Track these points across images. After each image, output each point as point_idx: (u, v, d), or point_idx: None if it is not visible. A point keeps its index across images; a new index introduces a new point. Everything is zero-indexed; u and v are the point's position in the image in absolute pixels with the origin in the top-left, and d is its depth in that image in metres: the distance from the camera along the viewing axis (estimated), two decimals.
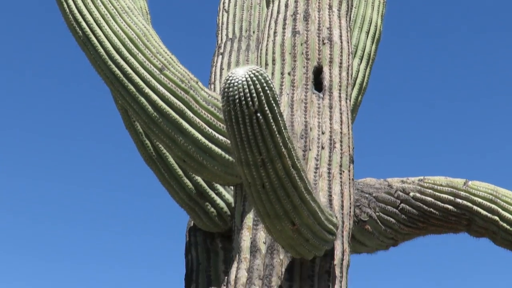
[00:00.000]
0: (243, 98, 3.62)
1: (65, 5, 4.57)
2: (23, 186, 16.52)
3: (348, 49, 4.94)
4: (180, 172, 4.91)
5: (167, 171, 4.92)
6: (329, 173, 4.58)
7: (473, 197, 5.08)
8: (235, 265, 4.46)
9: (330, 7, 4.96)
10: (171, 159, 4.88)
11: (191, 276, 5.09)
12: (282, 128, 3.74)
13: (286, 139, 3.78)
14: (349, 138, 4.75)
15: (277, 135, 3.72)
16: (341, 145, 4.67)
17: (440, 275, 15.92)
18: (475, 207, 5.07)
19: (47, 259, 16.30)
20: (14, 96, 16.72)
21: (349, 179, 4.67)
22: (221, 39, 5.83)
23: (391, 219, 5.07)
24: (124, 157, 16.44)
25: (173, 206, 5.05)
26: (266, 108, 3.65)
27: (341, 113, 4.74)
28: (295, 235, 4.03)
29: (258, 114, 3.65)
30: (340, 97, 4.78)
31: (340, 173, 4.61)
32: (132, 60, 4.47)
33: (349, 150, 4.72)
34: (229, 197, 4.98)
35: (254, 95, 3.62)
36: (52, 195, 16.48)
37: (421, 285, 15.75)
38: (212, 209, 4.96)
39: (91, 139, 17.03)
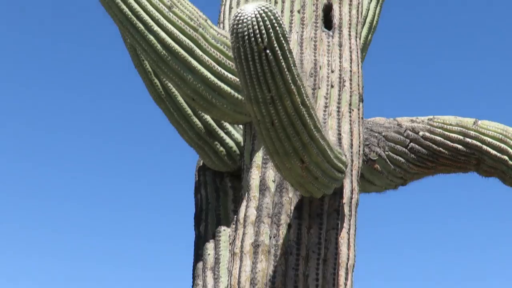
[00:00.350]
0: (252, 35, 3.60)
1: None
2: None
3: None
4: (189, 111, 4.91)
5: (176, 110, 4.91)
6: (338, 111, 4.57)
7: (482, 136, 5.07)
8: (244, 203, 4.48)
9: None
10: (180, 98, 4.87)
11: (200, 216, 5.11)
12: (291, 65, 3.72)
13: (296, 76, 3.76)
14: (358, 76, 4.73)
15: (286, 72, 3.71)
16: (350, 84, 4.66)
17: (448, 214, 15.99)
18: (484, 147, 5.07)
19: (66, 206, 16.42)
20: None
21: (359, 117, 4.66)
22: None
23: (400, 158, 5.07)
24: (134, 97, 16.47)
25: (182, 145, 5.05)
26: (275, 45, 3.63)
27: (350, 51, 4.72)
28: (304, 173, 4.03)
29: (267, 51, 3.63)
30: (350, 35, 4.75)
31: (350, 112, 4.60)
32: None
33: (358, 89, 4.70)
34: (238, 136, 4.98)
35: (264, 31, 3.60)
36: (60, 146, 16.52)
37: (430, 223, 15.83)
38: (221, 148, 4.96)
39: (100, 80, 17.01)
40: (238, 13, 3.62)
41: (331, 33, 4.72)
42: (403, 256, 16.03)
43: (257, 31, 3.59)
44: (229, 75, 4.50)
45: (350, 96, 4.64)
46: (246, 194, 4.46)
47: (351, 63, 4.68)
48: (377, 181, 5.08)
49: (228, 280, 4.43)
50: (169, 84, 4.81)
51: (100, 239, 16.43)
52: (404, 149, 5.07)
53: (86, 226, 16.51)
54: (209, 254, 4.94)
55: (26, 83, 16.76)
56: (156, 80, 4.90)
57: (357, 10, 4.84)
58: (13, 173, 16.28)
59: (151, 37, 4.43)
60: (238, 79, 4.32)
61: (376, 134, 5.03)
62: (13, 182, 16.45)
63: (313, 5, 4.74)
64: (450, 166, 5.19)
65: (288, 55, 3.70)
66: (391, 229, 16.25)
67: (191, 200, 5.22)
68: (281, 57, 3.66)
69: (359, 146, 4.62)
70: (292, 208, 4.36)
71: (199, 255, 5.01)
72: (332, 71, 4.62)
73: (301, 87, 3.82)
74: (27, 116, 16.45)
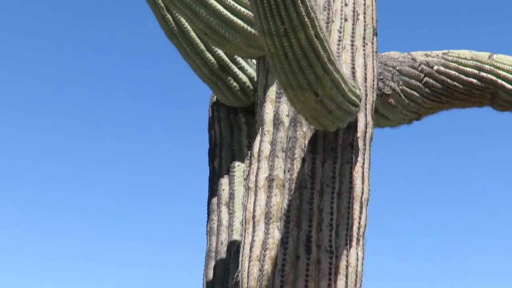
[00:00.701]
0: None
1: None
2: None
3: None
4: (202, 46, 4.89)
5: (189, 45, 4.89)
6: (352, 45, 4.54)
7: (497, 70, 5.04)
8: (258, 138, 4.48)
9: None
10: (192, 33, 4.84)
11: (214, 151, 5.13)
12: None
13: (309, 8, 3.72)
14: (372, 10, 4.68)
15: (300, 4, 3.67)
16: (364, 17, 4.62)
17: (462, 149, 15.98)
18: (499, 81, 5.04)
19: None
20: None
21: (373, 51, 4.63)
22: None
23: (415, 92, 5.05)
24: (146, 33, 16.41)
25: (196, 81, 5.04)
26: None
27: None
28: (318, 106, 4.02)
29: None
30: None
31: (363, 46, 4.57)
32: None
33: (372, 22, 4.66)
34: (252, 71, 4.97)
35: None
36: (73, 71, 16.49)
37: (443, 157, 15.84)
38: (235, 84, 4.95)
39: (111, 15, 16.94)
40: None
41: None
42: (416, 190, 16.09)
43: None
44: (242, 9, 4.46)
45: (364, 30, 4.60)
46: (260, 129, 4.46)
47: None
48: (391, 115, 5.07)
49: (242, 215, 4.46)
50: (182, 19, 4.79)
51: (116, 169, 16.53)
52: (418, 83, 5.05)
53: (110, 156, 16.60)
54: (223, 190, 4.97)
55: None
56: (168, 15, 4.87)
57: None
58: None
59: None
60: (251, 13, 4.29)
61: (390, 69, 5.01)
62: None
63: None
64: (465, 101, 5.17)
65: None
66: (405, 164, 16.28)
67: (205, 136, 5.24)
68: None
69: (373, 80, 4.60)
70: (306, 142, 4.35)
71: (213, 190, 5.05)
72: (346, 5, 4.58)
73: (315, 19, 3.78)
74: None
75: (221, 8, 4.42)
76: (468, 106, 5.25)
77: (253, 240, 4.28)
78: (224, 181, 4.98)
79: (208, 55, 4.90)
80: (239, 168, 4.96)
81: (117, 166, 16.41)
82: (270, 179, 4.33)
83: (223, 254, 4.88)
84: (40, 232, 15.99)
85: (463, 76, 5.06)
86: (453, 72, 5.06)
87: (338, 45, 4.51)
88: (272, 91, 4.49)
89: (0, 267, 15.09)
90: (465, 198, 15.96)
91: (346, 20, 4.55)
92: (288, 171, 4.32)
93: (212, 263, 4.90)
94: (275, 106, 4.46)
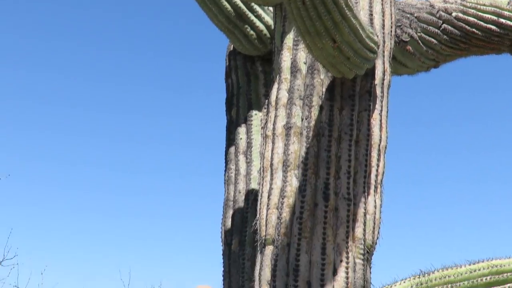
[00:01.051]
0: None
1: None
2: None
3: None
4: None
5: None
6: None
7: None
8: (275, 86, 4.46)
9: None
10: None
11: (231, 100, 5.12)
12: None
13: None
14: None
15: None
16: None
17: (480, 96, 15.92)
18: None
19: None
20: None
21: None
22: None
23: (433, 39, 5.01)
24: None
25: (212, 30, 5.02)
26: None
27: None
28: (336, 53, 3.99)
29: None
30: None
31: None
32: None
33: None
34: (269, 19, 4.93)
35: None
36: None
37: (461, 104, 15.78)
38: (252, 32, 4.92)
39: None
40: None
41: None
42: (434, 137, 16.08)
43: None
44: None
45: None
46: (277, 77, 4.44)
47: None
48: (409, 63, 5.03)
49: (260, 163, 4.45)
50: None
51: (138, 122, 16.61)
52: (436, 30, 5.00)
53: (132, 109, 16.64)
54: (241, 139, 4.97)
55: None
56: None
57: None
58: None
59: None
60: None
61: (408, 15, 4.95)
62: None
63: None
64: (483, 48, 5.12)
65: None
66: (423, 111, 16.25)
67: (222, 85, 5.23)
68: None
69: (391, 27, 4.56)
70: (324, 89, 4.33)
71: (231, 139, 5.05)
72: None
73: None
74: None
75: None
76: (486, 53, 5.20)
77: (271, 188, 4.28)
78: (242, 130, 4.98)
79: (225, 3, 4.86)
80: (256, 117, 4.95)
81: (138, 119, 16.49)
82: (287, 127, 4.32)
83: (241, 203, 4.90)
84: None
85: (481, 23, 5.00)
86: (471, 19, 5.00)
87: None
88: (290, 38, 4.46)
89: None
90: (482, 146, 15.94)
91: None
92: (306, 119, 4.31)
93: (230, 212, 4.91)
94: (293, 53, 4.43)
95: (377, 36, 4.36)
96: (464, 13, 5.01)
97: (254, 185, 4.82)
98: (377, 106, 4.43)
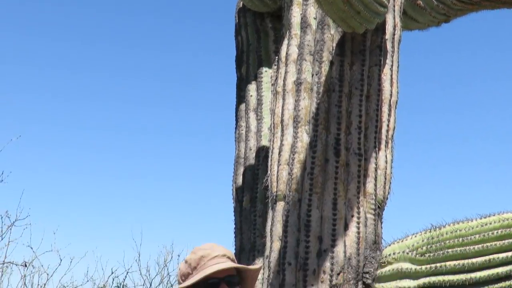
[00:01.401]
0: None
1: None
2: None
3: None
4: None
5: None
6: None
7: None
8: (285, 42, 4.43)
9: None
10: None
11: (241, 57, 5.10)
12: None
13: None
14: None
15: None
16: None
17: (491, 50, 15.80)
18: None
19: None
20: None
21: None
22: None
23: None
24: None
25: None
26: None
27: None
28: (346, 7, 3.95)
29: None
30: None
31: None
32: None
33: None
34: None
35: None
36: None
37: (472, 59, 15.68)
38: None
39: None
40: None
41: None
42: (445, 92, 16.02)
43: None
44: None
45: None
46: (287, 33, 4.42)
47: None
48: (419, 18, 4.98)
49: (271, 119, 4.45)
50: None
51: (149, 84, 16.61)
52: None
53: (141, 71, 16.64)
54: (251, 96, 4.96)
55: None
56: None
57: None
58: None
59: None
60: None
61: None
62: None
63: None
64: (495, 2, 5.06)
65: None
66: (434, 66, 16.16)
67: (232, 42, 5.20)
68: None
69: None
70: (334, 45, 4.31)
71: (241, 97, 5.04)
72: None
73: None
74: None
75: None
76: (498, 7, 5.14)
77: (281, 144, 4.28)
78: (252, 87, 4.96)
79: None
80: (266, 74, 4.93)
81: (150, 82, 16.47)
82: (298, 83, 4.30)
83: (251, 160, 4.89)
84: None
85: None
86: None
87: None
88: None
89: None
90: (492, 103, 15.86)
91: None
92: (316, 74, 4.29)
93: (241, 169, 4.91)
94: (302, 8, 4.40)
95: None
96: None
97: (264, 142, 4.82)
98: (388, 61, 4.40)
